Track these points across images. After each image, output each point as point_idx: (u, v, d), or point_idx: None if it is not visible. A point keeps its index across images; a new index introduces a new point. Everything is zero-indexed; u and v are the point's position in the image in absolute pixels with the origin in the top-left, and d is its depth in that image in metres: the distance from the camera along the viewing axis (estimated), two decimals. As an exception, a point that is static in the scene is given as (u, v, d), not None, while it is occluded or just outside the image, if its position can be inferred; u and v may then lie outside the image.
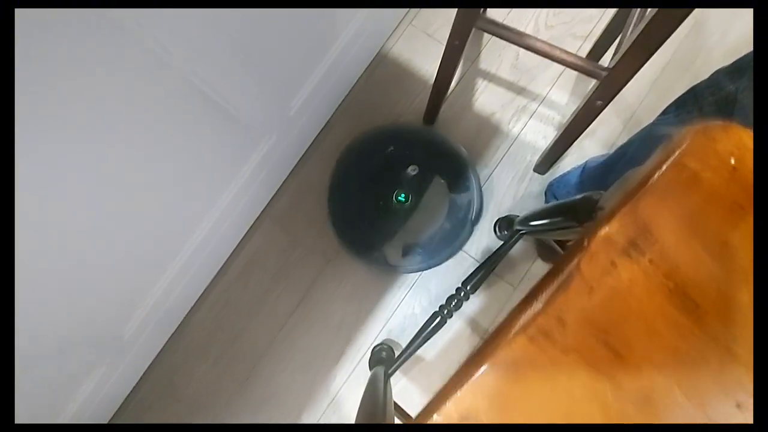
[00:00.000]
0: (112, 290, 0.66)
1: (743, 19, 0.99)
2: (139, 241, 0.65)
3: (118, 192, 0.54)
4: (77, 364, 0.68)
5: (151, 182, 0.59)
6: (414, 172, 0.83)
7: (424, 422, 0.26)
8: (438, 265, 0.91)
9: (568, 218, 0.49)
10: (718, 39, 0.98)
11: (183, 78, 0.51)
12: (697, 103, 0.55)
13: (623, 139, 0.95)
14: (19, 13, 0.30)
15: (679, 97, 0.59)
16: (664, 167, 0.28)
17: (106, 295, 0.65)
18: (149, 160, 0.56)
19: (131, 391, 0.90)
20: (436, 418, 0.26)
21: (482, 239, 0.92)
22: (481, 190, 0.92)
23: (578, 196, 0.48)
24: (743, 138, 0.28)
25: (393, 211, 0.90)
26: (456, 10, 0.62)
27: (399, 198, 0.89)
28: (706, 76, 0.99)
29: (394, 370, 0.71)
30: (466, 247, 0.92)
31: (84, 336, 0.65)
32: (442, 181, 0.91)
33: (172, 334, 0.91)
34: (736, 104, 0.50)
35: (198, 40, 0.49)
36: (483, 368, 0.27)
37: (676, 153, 0.28)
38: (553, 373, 0.27)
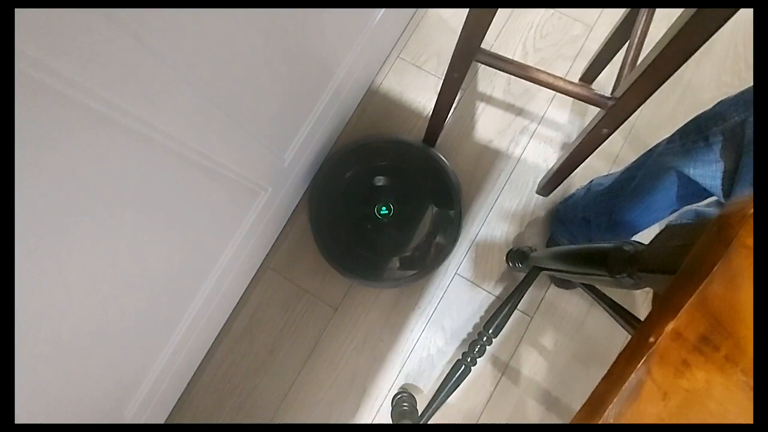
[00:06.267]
0: (114, 368, 0.62)
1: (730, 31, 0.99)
2: (138, 315, 0.61)
3: (118, 267, 0.50)
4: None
5: (148, 255, 0.55)
6: (380, 183, 0.81)
7: None
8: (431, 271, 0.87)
9: (598, 266, 0.46)
10: (705, 49, 0.98)
11: (174, 153, 0.48)
12: (702, 133, 0.54)
13: (625, 153, 0.94)
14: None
15: (684, 126, 0.58)
16: (727, 252, 0.25)
17: (107, 374, 0.61)
18: (148, 235, 0.53)
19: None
20: None
21: (493, 270, 0.90)
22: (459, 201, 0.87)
23: (609, 244, 0.45)
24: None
25: (381, 225, 0.85)
26: (454, 45, 0.59)
27: (381, 211, 0.85)
28: (697, 88, 0.99)
29: (420, 427, 0.68)
30: (477, 281, 0.89)
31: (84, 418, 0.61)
32: (423, 188, 0.87)
33: (176, 404, 0.86)
34: (745, 138, 0.49)
35: (187, 110, 0.46)
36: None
37: (739, 234, 0.26)
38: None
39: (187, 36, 0.41)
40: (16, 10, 0.26)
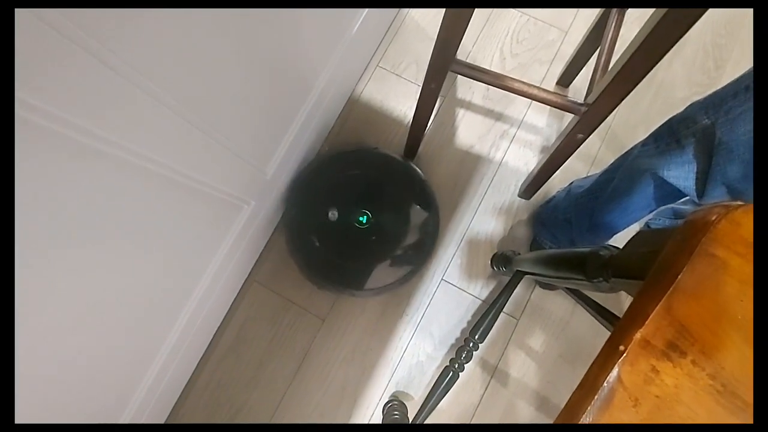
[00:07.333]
0: (98, 389, 0.61)
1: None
2: (122, 336, 0.60)
3: (101, 287, 0.50)
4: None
5: (132, 275, 0.55)
6: (334, 218, 0.81)
7: None
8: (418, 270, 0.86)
9: (576, 271, 0.47)
10: (676, 49, 1.01)
11: (153, 174, 0.48)
12: (674, 135, 0.56)
13: (603, 154, 0.96)
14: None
15: (657, 129, 0.59)
16: (691, 260, 0.26)
17: (90, 397, 0.60)
18: (131, 255, 0.52)
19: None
20: None
21: (479, 274, 0.91)
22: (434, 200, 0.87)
23: (586, 249, 0.46)
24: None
25: (360, 235, 0.84)
26: (430, 52, 0.60)
27: (360, 220, 0.84)
28: (669, 87, 1.01)
29: (411, 435, 0.68)
30: (463, 286, 0.90)
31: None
32: (400, 196, 0.87)
33: (165, 421, 0.85)
34: (715, 139, 0.50)
35: (164, 132, 0.46)
36: None
37: (702, 242, 0.26)
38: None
39: (160, 55, 0.41)
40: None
